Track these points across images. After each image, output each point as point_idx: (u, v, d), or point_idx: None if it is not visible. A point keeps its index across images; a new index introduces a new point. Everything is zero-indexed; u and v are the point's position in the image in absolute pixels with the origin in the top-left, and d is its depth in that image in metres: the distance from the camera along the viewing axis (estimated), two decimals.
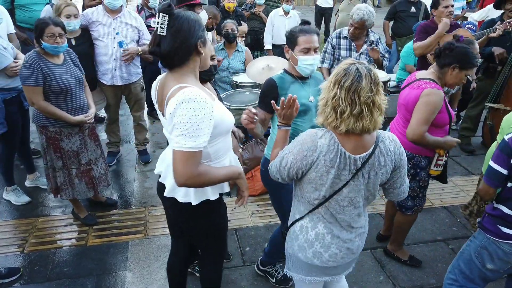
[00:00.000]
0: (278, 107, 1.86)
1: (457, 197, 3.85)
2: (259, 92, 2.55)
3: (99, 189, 3.26)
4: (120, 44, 3.70)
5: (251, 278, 2.83)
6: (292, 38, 2.26)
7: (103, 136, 4.35)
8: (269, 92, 2.25)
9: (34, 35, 2.83)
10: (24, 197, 3.58)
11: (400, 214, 2.86)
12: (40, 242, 3.12)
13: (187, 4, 3.58)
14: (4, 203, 3.56)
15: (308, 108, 2.29)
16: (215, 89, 2.55)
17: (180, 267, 2.31)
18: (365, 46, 3.91)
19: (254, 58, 4.50)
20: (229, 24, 4.40)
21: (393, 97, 4.21)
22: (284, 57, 2.45)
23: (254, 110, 2.01)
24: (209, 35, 4.65)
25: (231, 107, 3.80)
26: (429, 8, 4.65)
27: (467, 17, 6.53)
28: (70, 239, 3.17)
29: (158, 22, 1.60)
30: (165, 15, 1.59)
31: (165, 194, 1.87)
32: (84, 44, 3.66)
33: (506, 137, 1.92)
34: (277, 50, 5.67)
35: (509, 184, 1.96)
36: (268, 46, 5.82)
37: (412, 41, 4.29)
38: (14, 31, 3.62)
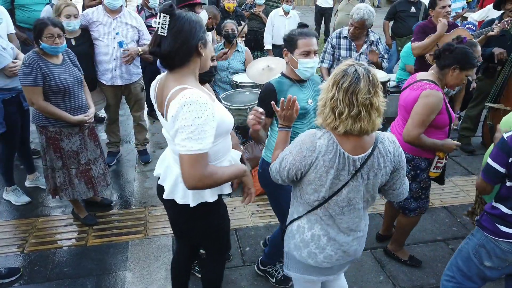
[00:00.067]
0: (279, 109, 1.87)
1: (457, 197, 3.85)
2: (259, 92, 2.54)
3: (99, 189, 3.26)
4: (120, 44, 3.70)
5: (251, 278, 2.83)
6: (291, 41, 2.23)
7: (103, 136, 4.36)
8: (268, 97, 2.21)
9: (32, 36, 2.83)
10: (24, 197, 3.58)
11: (403, 216, 2.84)
12: (40, 242, 3.12)
13: (187, 4, 3.58)
14: (4, 203, 3.56)
15: (307, 111, 2.28)
16: (214, 90, 2.55)
17: (183, 266, 2.31)
18: (365, 46, 3.91)
19: (254, 58, 4.51)
20: (229, 24, 4.41)
21: (393, 97, 4.22)
22: None
23: (260, 110, 1.96)
24: (209, 35, 4.65)
25: (231, 107, 3.80)
26: None
27: (467, 17, 6.52)
28: (70, 239, 3.17)
29: (159, 23, 1.60)
30: (167, 15, 1.59)
31: (164, 196, 1.87)
32: (84, 44, 3.66)
33: (505, 135, 1.92)
34: (277, 50, 5.67)
35: (508, 183, 1.95)
36: (268, 46, 5.82)
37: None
38: (14, 31, 3.61)
